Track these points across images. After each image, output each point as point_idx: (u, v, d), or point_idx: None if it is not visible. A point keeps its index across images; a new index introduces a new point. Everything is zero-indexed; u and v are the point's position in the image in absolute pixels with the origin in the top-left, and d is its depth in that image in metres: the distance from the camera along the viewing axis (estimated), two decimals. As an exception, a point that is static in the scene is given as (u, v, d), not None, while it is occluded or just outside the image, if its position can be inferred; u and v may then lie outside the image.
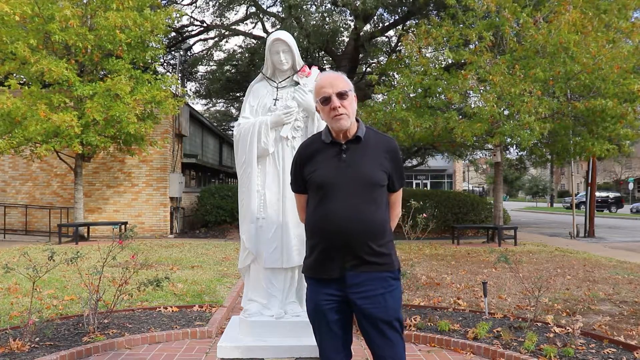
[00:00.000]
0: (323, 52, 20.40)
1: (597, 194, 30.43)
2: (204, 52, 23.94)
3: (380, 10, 18.27)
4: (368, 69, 22.49)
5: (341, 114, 2.11)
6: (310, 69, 3.37)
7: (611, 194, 37.36)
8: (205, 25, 21.45)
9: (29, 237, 14.50)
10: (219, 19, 20.62)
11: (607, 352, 3.81)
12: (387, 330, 2.10)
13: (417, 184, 40.65)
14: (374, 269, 2.09)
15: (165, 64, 23.21)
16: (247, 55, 21.39)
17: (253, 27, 28.02)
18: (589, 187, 16.63)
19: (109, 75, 11.95)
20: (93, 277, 4.35)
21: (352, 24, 18.10)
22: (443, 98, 12.28)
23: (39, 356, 3.67)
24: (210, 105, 33.80)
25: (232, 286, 6.58)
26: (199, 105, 72.63)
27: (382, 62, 19.44)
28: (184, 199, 16.36)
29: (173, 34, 20.71)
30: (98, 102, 11.41)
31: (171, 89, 12.99)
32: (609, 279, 7.54)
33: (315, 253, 2.15)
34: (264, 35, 19.74)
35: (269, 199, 3.20)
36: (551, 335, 4.21)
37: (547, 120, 11.28)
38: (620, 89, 10.81)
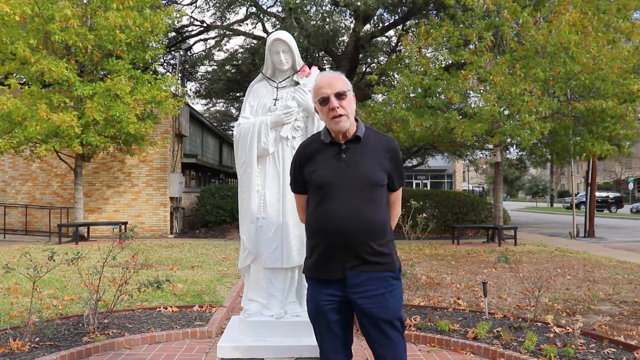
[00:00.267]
0: (323, 52, 20.40)
1: (597, 194, 30.43)
2: (205, 52, 23.94)
3: (380, 10, 18.27)
4: (368, 69, 22.48)
5: (340, 115, 2.10)
6: (310, 69, 3.38)
7: (611, 194, 37.36)
8: (205, 25, 21.46)
9: (29, 237, 14.50)
10: (219, 20, 20.63)
11: (607, 352, 3.81)
12: (389, 330, 2.10)
13: (417, 184, 40.66)
14: (374, 269, 2.08)
15: (165, 64, 23.22)
16: (246, 55, 21.40)
17: (254, 28, 28.06)
18: (589, 187, 16.63)
19: (109, 75, 11.95)
20: (93, 277, 4.34)
21: (352, 24, 18.10)
22: (443, 98, 12.28)
23: (39, 356, 3.67)
24: (210, 105, 33.81)
25: (232, 286, 6.58)
26: (199, 105, 72.61)
27: (382, 62, 19.44)
28: (184, 199, 16.36)
29: (173, 34, 20.70)
30: (98, 102, 11.41)
31: (171, 89, 13.00)
32: (609, 279, 7.55)
33: (316, 253, 2.15)
34: (264, 35, 19.74)
35: (269, 199, 3.20)
36: (551, 335, 4.21)
37: (547, 120, 11.28)
38: (620, 89, 10.81)
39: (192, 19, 21.28)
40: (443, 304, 5.56)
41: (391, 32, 20.88)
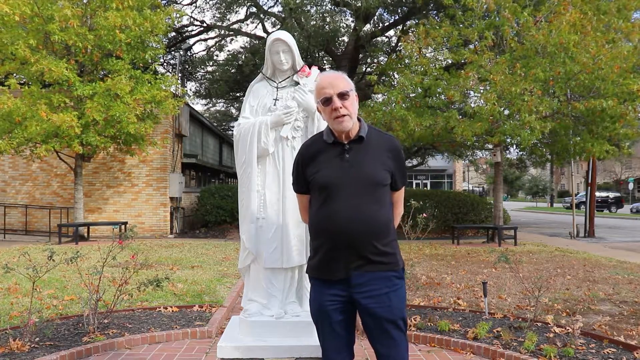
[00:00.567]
0: (323, 52, 20.40)
1: (597, 194, 30.43)
2: (206, 52, 23.95)
3: (380, 10, 18.28)
4: (368, 69, 22.49)
5: (343, 115, 2.10)
6: (310, 69, 3.38)
7: (611, 194, 37.35)
8: (205, 25, 21.46)
9: (29, 237, 14.50)
10: (220, 20, 20.63)
11: (607, 352, 3.81)
12: (392, 330, 2.10)
13: (417, 184, 40.65)
14: (378, 269, 2.08)
15: (165, 64, 23.22)
16: (246, 55, 21.40)
17: (255, 28, 28.07)
18: (589, 187, 16.63)
19: (109, 75, 11.95)
20: (93, 277, 4.34)
21: (352, 24, 18.10)
22: (443, 98, 12.28)
23: (39, 356, 3.67)
24: (210, 105, 33.81)
25: (232, 286, 6.58)
26: (199, 105, 72.64)
27: (382, 62, 19.44)
28: (184, 199, 16.36)
29: (173, 34, 20.71)
30: (98, 102, 11.41)
31: (171, 89, 13.00)
32: (609, 279, 7.54)
33: (320, 254, 2.14)
34: (264, 35, 19.74)
35: (269, 199, 3.20)
36: (551, 335, 4.21)
37: (547, 119, 11.28)
38: (620, 89, 10.80)
39: (192, 19, 21.29)
40: (443, 304, 5.56)
41: (391, 32, 20.90)
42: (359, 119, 2.20)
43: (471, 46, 12.74)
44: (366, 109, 12.77)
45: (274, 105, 3.28)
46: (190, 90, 26.22)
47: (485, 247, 11.66)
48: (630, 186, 46.14)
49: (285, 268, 3.20)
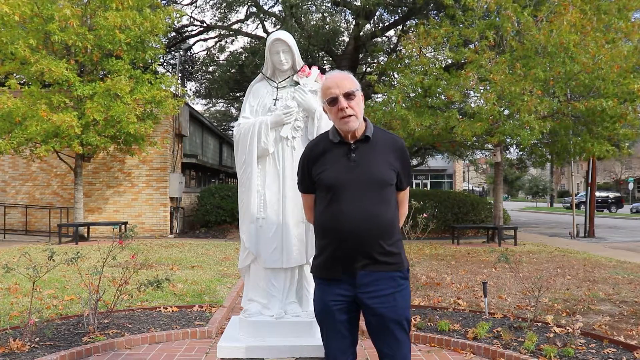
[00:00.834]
0: (323, 52, 20.40)
1: (597, 194, 30.44)
2: (206, 52, 23.96)
3: (380, 10, 18.29)
4: (368, 69, 22.50)
5: (349, 115, 2.10)
6: (310, 69, 3.38)
7: (611, 194, 37.35)
8: (205, 25, 21.46)
9: (29, 237, 14.50)
10: (220, 21, 20.64)
11: (607, 352, 3.81)
12: (396, 330, 2.10)
13: (417, 184, 40.66)
14: (384, 269, 2.08)
15: (165, 64, 23.22)
16: (246, 55, 21.40)
17: (255, 28, 28.11)
18: (589, 187, 16.62)
19: (108, 75, 11.95)
20: (93, 277, 4.34)
21: (352, 23, 18.11)
22: (443, 98, 12.28)
23: (39, 356, 3.66)
24: (210, 105, 33.84)
25: (232, 286, 6.58)
26: (199, 105, 72.65)
27: (382, 62, 19.45)
28: (184, 199, 16.36)
29: (173, 34, 20.72)
30: (98, 102, 11.41)
31: (171, 89, 13.00)
32: (609, 279, 7.54)
33: (326, 253, 2.14)
34: (264, 35, 19.75)
35: (269, 199, 3.20)
36: (551, 335, 4.21)
37: (547, 119, 11.28)
38: (620, 88, 10.81)
39: (192, 19, 21.30)
40: (443, 304, 5.56)
41: (391, 32, 20.91)
42: (364, 119, 2.20)
43: (471, 46, 12.74)
44: (366, 109, 12.71)
45: (274, 105, 3.28)
46: (190, 90, 26.26)
47: (485, 247, 11.66)
48: (630, 186, 46.14)
49: (285, 268, 3.20)
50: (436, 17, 15.70)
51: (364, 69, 22.69)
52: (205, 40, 23.75)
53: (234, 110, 34.87)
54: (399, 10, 18.48)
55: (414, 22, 16.85)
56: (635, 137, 12.44)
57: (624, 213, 33.57)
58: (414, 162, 28.48)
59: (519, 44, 11.66)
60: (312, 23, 16.93)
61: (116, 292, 4.51)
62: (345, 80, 2.14)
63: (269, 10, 20.23)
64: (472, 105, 12.12)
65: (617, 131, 11.58)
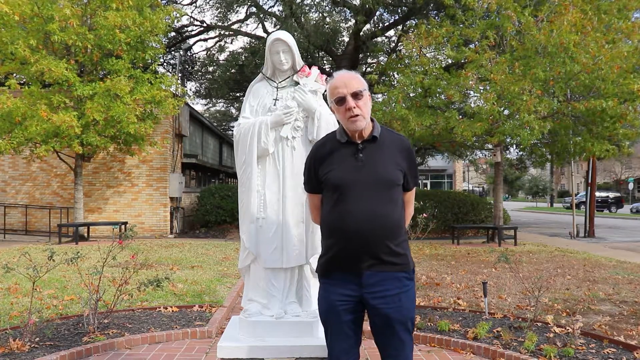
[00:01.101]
0: (323, 52, 20.41)
1: (597, 194, 30.44)
2: (206, 52, 23.97)
3: (380, 10, 18.29)
4: (368, 69, 22.50)
5: (356, 115, 2.10)
6: (310, 69, 3.38)
7: (611, 194, 37.35)
8: (205, 25, 21.46)
9: (29, 237, 14.50)
10: (220, 20, 20.64)
11: (607, 352, 3.81)
12: (401, 331, 2.10)
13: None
14: (390, 269, 2.08)
15: (165, 64, 23.22)
16: (246, 55, 21.40)
17: (255, 28, 28.10)
18: (589, 187, 16.62)
19: (108, 76, 11.95)
20: (93, 277, 4.34)
21: (352, 24, 18.12)
22: (443, 98, 12.28)
23: (39, 356, 3.66)
24: (210, 105, 33.84)
25: (232, 286, 6.58)
26: (199, 105, 72.66)
27: (382, 62, 19.45)
28: (184, 199, 16.36)
29: (173, 34, 20.72)
30: (98, 102, 11.41)
31: (171, 89, 12.99)
32: (609, 279, 7.54)
33: (332, 253, 2.13)
34: (264, 35, 19.75)
35: (269, 199, 3.20)
36: (551, 335, 4.21)
37: (547, 119, 11.28)
38: (620, 89, 10.80)
39: (192, 19, 21.30)
40: (443, 304, 5.56)
41: (391, 32, 20.91)
42: (371, 119, 2.20)
43: (472, 46, 12.74)
44: (366, 109, 12.72)
45: (274, 105, 3.28)
46: (190, 90, 26.25)
47: (485, 247, 11.66)
48: (630, 186, 46.14)
49: (285, 268, 3.20)
50: (436, 17, 15.70)
51: (364, 69, 22.69)
52: (205, 40, 23.76)
53: (234, 110, 34.87)
54: (399, 10, 18.48)
55: (414, 22, 16.85)
56: (636, 136, 12.43)
57: (624, 213, 33.57)
58: (414, 162, 28.44)
59: (519, 44, 11.66)
60: (312, 23, 16.93)
61: (116, 292, 4.51)
62: (353, 80, 2.14)
63: (269, 10, 20.23)
64: (472, 105, 12.11)
65: (617, 131, 11.58)
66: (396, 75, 15.04)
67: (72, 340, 4.06)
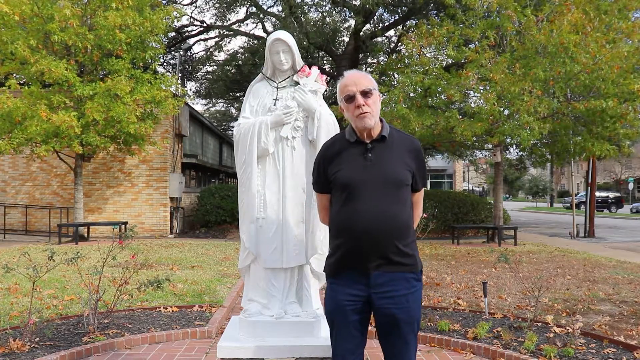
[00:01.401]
0: (323, 52, 20.41)
1: (597, 194, 30.44)
2: (206, 52, 23.96)
3: (380, 10, 18.29)
4: (368, 69, 22.50)
5: (365, 112, 2.11)
6: (310, 69, 3.37)
7: (611, 194, 37.35)
8: (205, 25, 21.46)
9: (29, 237, 14.50)
10: (219, 20, 20.64)
11: (607, 352, 3.81)
12: (406, 332, 2.10)
13: (417, 184, 40.54)
14: (398, 269, 2.08)
15: (165, 64, 23.22)
16: (246, 55, 21.40)
17: (254, 27, 28.11)
18: (589, 187, 16.62)
19: (109, 76, 11.95)
20: (93, 277, 4.34)
21: (352, 23, 18.12)
22: (443, 98, 12.27)
23: (39, 356, 3.66)
24: (210, 105, 33.84)
25: (232, 286, 6.58)
26: (199, 105, 72.71)
27: (382, 62, 19.46)
28: (184, 199, 16.36)
29: (173, 34, 20.71)
30: (98, 102, 11.41)
31: (171, 89, 12.99)
32: (609, 279, 7.54)
33: (340, 252, 2.13)
34: (264, 35, 19.75)
35: (269, 199, 3.20)
36: (551, 335, 4.21)
37: (546, 120, 11.28)
38: (620, 89, 10.80)
39: (192, 19, 21.29)
40: (443, 304, 5.56)
41: (391, 32, 20.91)
42: (380, 119, 2.20)
43: (472, 45, 12.73)
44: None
45: (274, 105, 3.28)
46: (190, 90, 26.26)
47: (485, 247, 11.66)
48: (630, 186, 46.13)
49: (285, 268, 3.20)
50: (436, 17, 15.70)
51: (364, 69, 22.70)
52: (205, 40, 23.76)
53: (234, 110, 34.88)
54: (399, 10, 18.49)
55: (414, 22, 16.85)
56: (636, 136, 12.42)
57: (624, 213, 33.57)
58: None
59: (519, 43, 11.66)
60: (312, 23, 16.93)
61: (116, 292, 4.51)
62: (363, 79, 2.15)
63: (269, 10, 20.23)
64: (472, 105, 12.11)
65: (617, 131, 11.58)
66: (396, 76, 15.04)
67: (72, 340, 4.06)
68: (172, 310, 5.14)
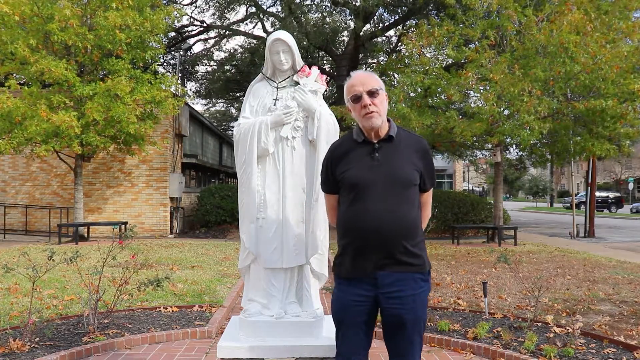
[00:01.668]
0: (323, 52, 20.42)
1: (597, 194, 30.44)
2: (205, 51, 23.97)
3: (380, 10, 18.31)
4: (368, 69, 22.51)
5: (372, 112, 2.11)
6: (310, 69, 3.38)
7: (611, 194, 37.35)
8: (205, 25, 21.47)
9: (29, 237, 14.50)
10: (219, 19, 20.64)
11: (607, 352, 3.81)
12: (412, 332, 2.10)
13: (417, 184, 40.53)
14: (406, 269, 2.08)
15: (165, 64, 23.23)
16: (246, 55, 21.41)
17: (253, 27, 28.13)
18: (589, 187, 16.62)
19: (109, 76, 11.95)
20: (93, 277, 4.34)
21: (352, 24, 18.13)
22: (443, 98, 12.27)
23: (39, 356, 3.66)
24: (210, 105, 33.86)
25: (232, 286, 6.58)
26: (199, 105, 72.70)
27: (382, 62, 19.47)
28: (184, 199, 16.36)
29: (173, 34, 20.72)
30: (98, 102, 11.41)
31: (171, 89, 12.99)
32: (609, 279, 7.54)
33: (348, 252, 2.13)
34: (264, 35, 19.75)
35: (269, 198, 3.20)
36: (551, 335, 4.21)
37: (546, 120, 11.28)
38: (620, 88, 10.80)
39: (192, 19, 21.30)
40: (443, 304, 5.56)
41: (391, 32, 20.92)
42: (388, 119, 2.20)
43: (472, 45, 12.73)
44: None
45: (274, 105, 3.28)
46: (190, 90, 26.26)
47: (485, 247, 11.66)
48: (630, 186, 46.14)
49: (285, 268, 3.20)
50: (436, 17, 15.71)
51: (364, 69, 22.68)
52: (205, 40, 23.77)
53: (234, 110, 34.90)
54: (399, 10, 18.50)
55: (414, 22, 16.86)
56: (637, 136, 12.41)
57: (624, 213, 33.57)
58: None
59: (519, 43, 11.66)
60: (311, 23, 16.93)
61: (116, 292, 4.51)
62: (370, 79, 2.16)
63: (268, 9, 20.24)
64: (472, 105, 12.11)
65: (617, 131, 11.58)
66: (396, 76, 15.04)
67: (72, 340, 4.06)
68: (172, 310, 5.14)
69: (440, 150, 21.22)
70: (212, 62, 23.64)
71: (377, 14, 19.01)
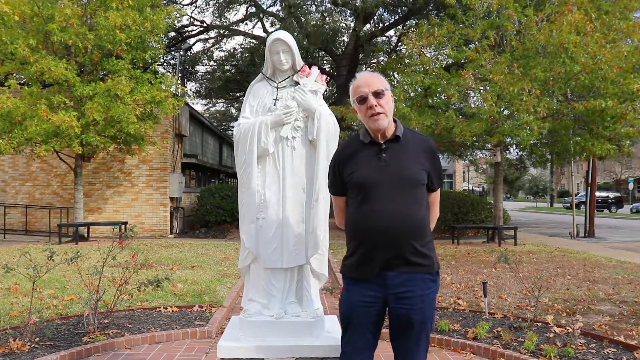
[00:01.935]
0: (323, 52, 20.42)
1: (597, 194, 30.43)
2: (204, 51, 23.96)
3: (380, 10, 18.31)
4: (368, 69, 22.51)
5: (378, 113, 2.11)
6: (310, 69, 3.37)
7: (611, 194, 37.34)
8: (205, 25, 21.47)
9: (29, 237, 14.50)
10: (218, 19, 20.65)
11: (607, 352, 3.81)
12: (420, 332, 2.10)
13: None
14: (415, 270, 2.07)
15: (165, 64, 23.23)
16: (246, 55, 21.41)
17: (253, 27, 28.13)
18: (589, 187, 16.62)
19: (109, 76, 11.95)
20: (93, 277, 4.34)
21: (352, 24, 18.14)
22: (443, 98, 12.27)
23: (39, 356, 3.67)
24: (210, 105, 33.87)
25: (232, 286, 6.58)
26: (199, 105, 72.70)
27: (382, 62, 19.47)
28: (184, 199, 16.36)
29: (173, 34, 20.72)
30: (98, 102, 11.40)
31: (171, 89, 12.99)
32: (609, 279, 7.54)
33: (358, 253, 2.13)
34: (264, 35, 19.75)
35: (269, 199, 3.20)
36: (551, 335, 4.21)
37: (546, 119, 11.28)
38: (620, 88, 10.80)
39: (192, 19, 21.31)
40: (443, 304, 5.56)
41: (391, 32, 20.93)
42: (394, 120, 2.20)
43: (472, 45, 12.73)
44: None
45: (274, 105, 3.27)
46: (190, 90, 26.26)
47: (485, 247, 11.66)
48: (630, 186, 46.14)
49: (285, 268, 3.20)
50: (436, 17, 15.71)
51: (364, 69, 22.70)
52: (205, 40, 23.77)
53: (234, 110, 34.91)
54: (399, 10, 18.50)
55: (414, 22, 16.85)
56: (637, 136, 12.41)
57: (624, 213, 33.57)
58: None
59: (519, 43, 11.66)
60: (311, 23, 16.93)
61: (116, 292, 4.51)
62: (375, 79, 2.16)
63: (268, 9, 20.24)
64: (472, 105, 12.11)
65: (617, 131, 11.58)
66: (396, 76, 15.04)
67: (72, 340, 4.06)
68: (172, 310, 5.14)
69: (440, 150, 21.23)
70: (212, 62, 23.64)
71: (377, 14, 19.02)
